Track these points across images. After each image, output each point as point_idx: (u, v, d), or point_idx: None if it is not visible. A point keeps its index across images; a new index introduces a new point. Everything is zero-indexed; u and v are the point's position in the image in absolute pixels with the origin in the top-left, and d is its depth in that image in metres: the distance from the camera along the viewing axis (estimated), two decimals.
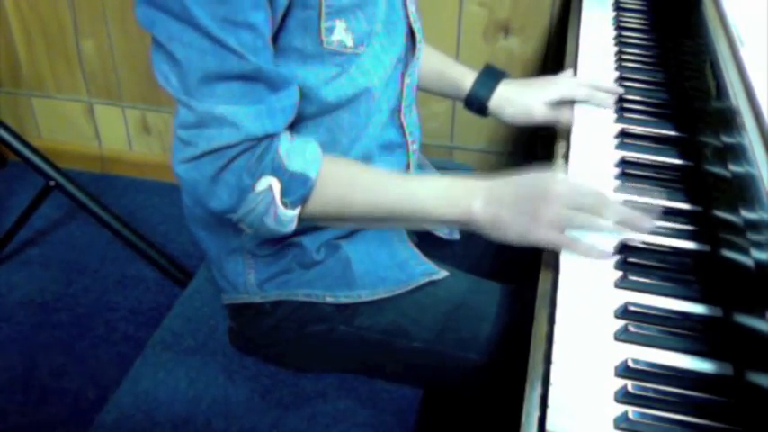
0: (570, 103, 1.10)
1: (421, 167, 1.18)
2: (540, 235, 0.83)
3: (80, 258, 1.92)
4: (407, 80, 1.00)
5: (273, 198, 0.82)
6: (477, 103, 1.15)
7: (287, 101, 0.82)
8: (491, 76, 1.14)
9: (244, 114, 0.78)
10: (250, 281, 1.01)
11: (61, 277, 1.87)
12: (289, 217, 0.84)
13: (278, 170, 0.81)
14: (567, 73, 1.16)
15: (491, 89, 1.13)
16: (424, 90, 1.17)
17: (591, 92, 1.09)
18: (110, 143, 2.19)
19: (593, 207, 0.83)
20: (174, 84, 0.79)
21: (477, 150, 1.93)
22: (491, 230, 0.86)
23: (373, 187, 0.88)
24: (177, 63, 0.77)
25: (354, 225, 0.98)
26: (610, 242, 0.83)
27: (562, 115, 1.09)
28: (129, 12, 1.88)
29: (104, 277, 1.87)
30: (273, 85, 0.80)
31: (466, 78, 1.15)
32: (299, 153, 0.83)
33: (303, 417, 1.03)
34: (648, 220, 0.83)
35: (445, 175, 0.99)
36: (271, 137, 0.81)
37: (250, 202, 0.81)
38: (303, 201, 0.84)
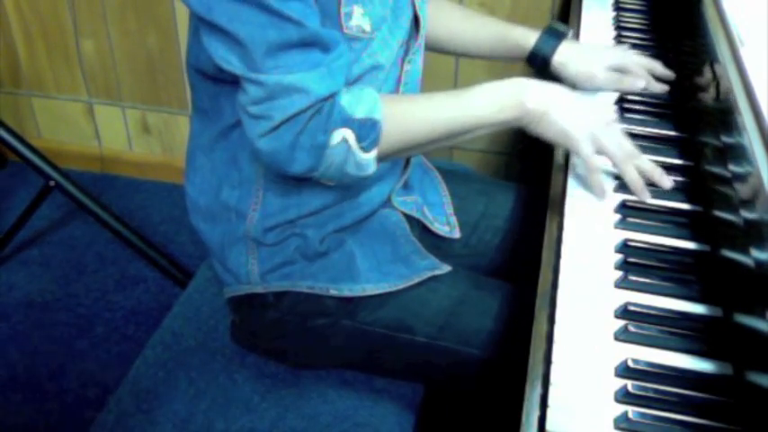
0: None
1: (421, 166, 1.19)
2: (579, 141, 0.90)
3: (80, 258, 1.92)
4: (407, 66, 1.02)
5: (350, 147, 0.86)
6: (540, 60, 1.16)
7: (341, 59, 0.85)
8: (553, 35, 1.16)
9: (310, 79, 0.82)
10: (253, 271, 1.01)
11: (61, 277, 1.86)
12: (368, 160, 0.89)
13: (347, 121, 0.85)
14: (625, 47, 1.19)
15: (554, 47, 1.15)
16: (485, 57, 1.23)
17: (648, 75, 1.13)
18: (110, 143, 2.19)
19: (628, 149, 0.91)
20: (236, 64, 0.82)
21: (476, 150, 1.93)
22: (538, 124, 0.91)
23: (428, 112, 0.93)
24: (238, 42, 0.80)
25: (423, 150, 1.02)
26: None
27: (624, 81, 1.12)
28: (129, 12, 1.88)
29: (104, 277, 1.87)
30: (326, 46, 0.83)
31: (529, 37, 1.17)
32: (358, 101, 0.87)
33: (303, 417, 1.03)
34: (669, 180, 0.92)
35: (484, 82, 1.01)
36: (333, 94, 0.85)
37: (328, 156, 0.86)
38: (377, 142, 0.88)
